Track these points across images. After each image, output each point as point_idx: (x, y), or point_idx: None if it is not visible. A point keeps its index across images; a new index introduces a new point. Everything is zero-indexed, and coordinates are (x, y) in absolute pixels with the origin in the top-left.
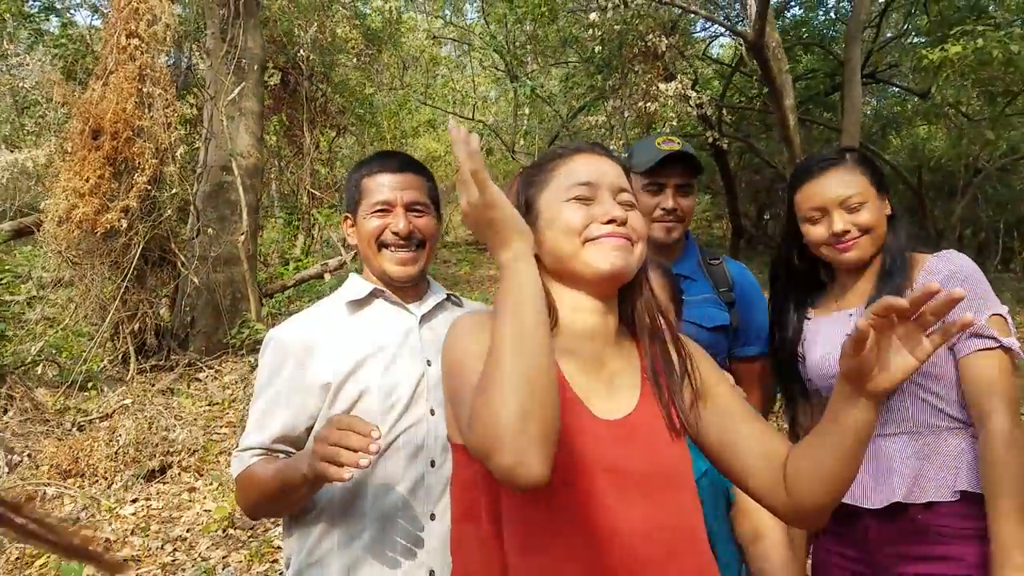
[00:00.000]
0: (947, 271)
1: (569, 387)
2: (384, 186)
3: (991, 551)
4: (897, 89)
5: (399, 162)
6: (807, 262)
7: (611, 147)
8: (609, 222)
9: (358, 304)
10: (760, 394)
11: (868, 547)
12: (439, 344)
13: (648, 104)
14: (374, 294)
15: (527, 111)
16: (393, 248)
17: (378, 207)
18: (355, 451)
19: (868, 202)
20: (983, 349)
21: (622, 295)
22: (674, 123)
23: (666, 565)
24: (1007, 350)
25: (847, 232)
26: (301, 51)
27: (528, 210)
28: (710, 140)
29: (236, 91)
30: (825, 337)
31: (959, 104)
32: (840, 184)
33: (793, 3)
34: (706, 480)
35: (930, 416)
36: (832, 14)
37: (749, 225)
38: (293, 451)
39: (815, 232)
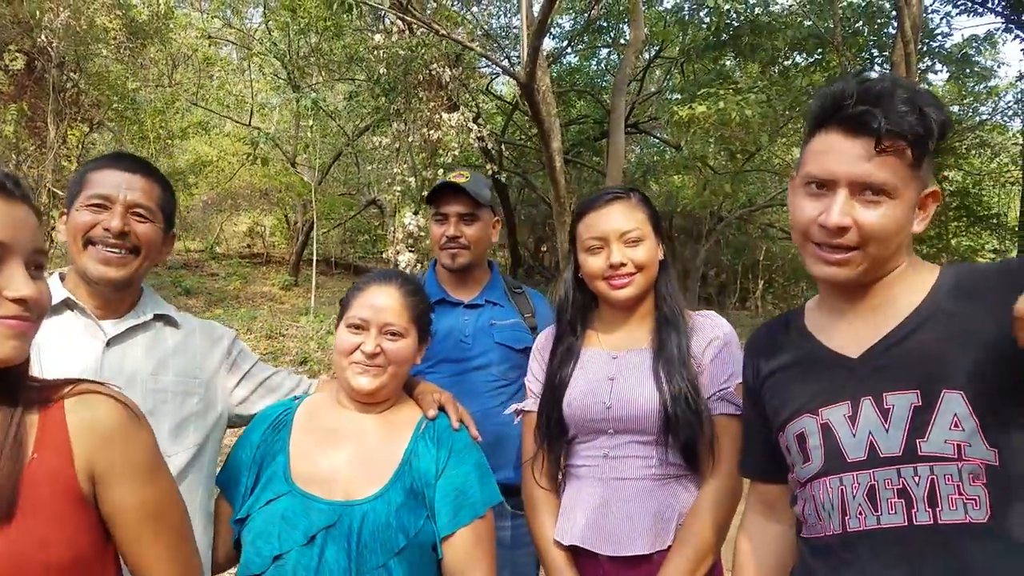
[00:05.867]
0: (712, 334)
1: None
2: (107, 181)
3: None
4: (656, 140)
5: (133, 162)
6: (588, 295)
7: (395, 171)
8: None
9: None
10: None
11: None
12: (129, 373)
13: (431, 132)
14: (66, 304)
15: (311, 123)
16: (101, 246)
17: (95, 200)
18: None
19: (646, 240)
20: (728, 414)
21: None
22: (456, 153)
23: None
24: (739, 416)
25: (623, 265)
26: (50, 35)
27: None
28: (490, 173)
29: None
30: (588, 375)
31: (705, 158)
32: (622, 218)
33: (570, 51)
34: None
35: (663, 467)
36: (603, 65)
37: (527, 255)
38: None
39: (593, 263)
